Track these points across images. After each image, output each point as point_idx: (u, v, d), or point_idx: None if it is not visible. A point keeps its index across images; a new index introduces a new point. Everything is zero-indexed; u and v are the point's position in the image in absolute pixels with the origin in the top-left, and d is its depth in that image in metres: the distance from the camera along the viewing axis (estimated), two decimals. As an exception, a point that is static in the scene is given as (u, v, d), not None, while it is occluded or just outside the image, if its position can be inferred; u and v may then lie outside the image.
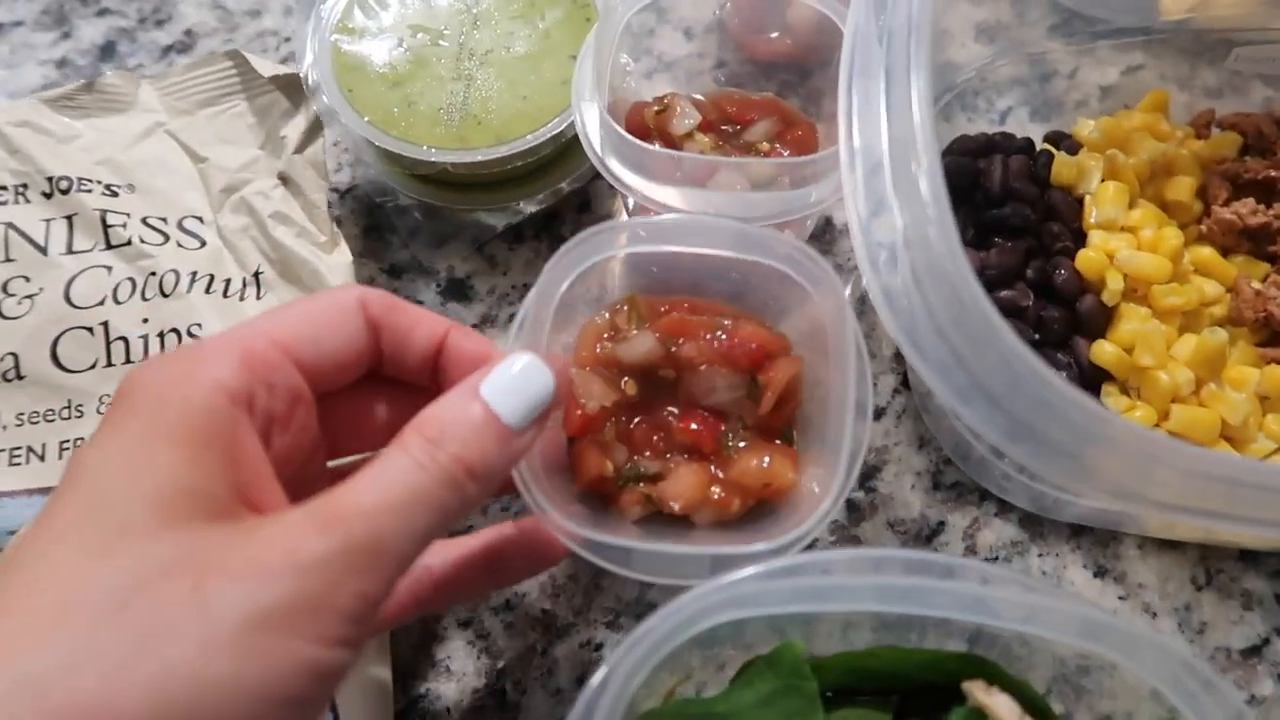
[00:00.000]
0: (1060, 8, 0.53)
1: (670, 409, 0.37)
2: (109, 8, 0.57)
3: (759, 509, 0.37)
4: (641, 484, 0.36)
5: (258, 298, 0.41)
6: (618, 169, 0.40)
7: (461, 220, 0.48)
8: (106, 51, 0.56)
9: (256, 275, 0.42)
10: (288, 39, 0.56)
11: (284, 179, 0.44)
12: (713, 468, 0.36)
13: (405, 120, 0.43)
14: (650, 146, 0.40)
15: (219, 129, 0.44)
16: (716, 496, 0.35)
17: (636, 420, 0.37)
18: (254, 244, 0.42)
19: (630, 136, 0.38)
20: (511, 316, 0.47)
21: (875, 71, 0.36)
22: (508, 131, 0.43)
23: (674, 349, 0.37)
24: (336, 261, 0.43)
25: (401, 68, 0.45)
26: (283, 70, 0.45)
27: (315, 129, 0.44)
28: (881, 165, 0.34)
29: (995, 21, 0.54)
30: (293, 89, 0.45)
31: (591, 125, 0.41)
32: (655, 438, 0.37)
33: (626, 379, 0.37)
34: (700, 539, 0.35)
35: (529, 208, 0.46)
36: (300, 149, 0.44)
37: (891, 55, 0.35)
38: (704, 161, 0.41)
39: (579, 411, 0.36)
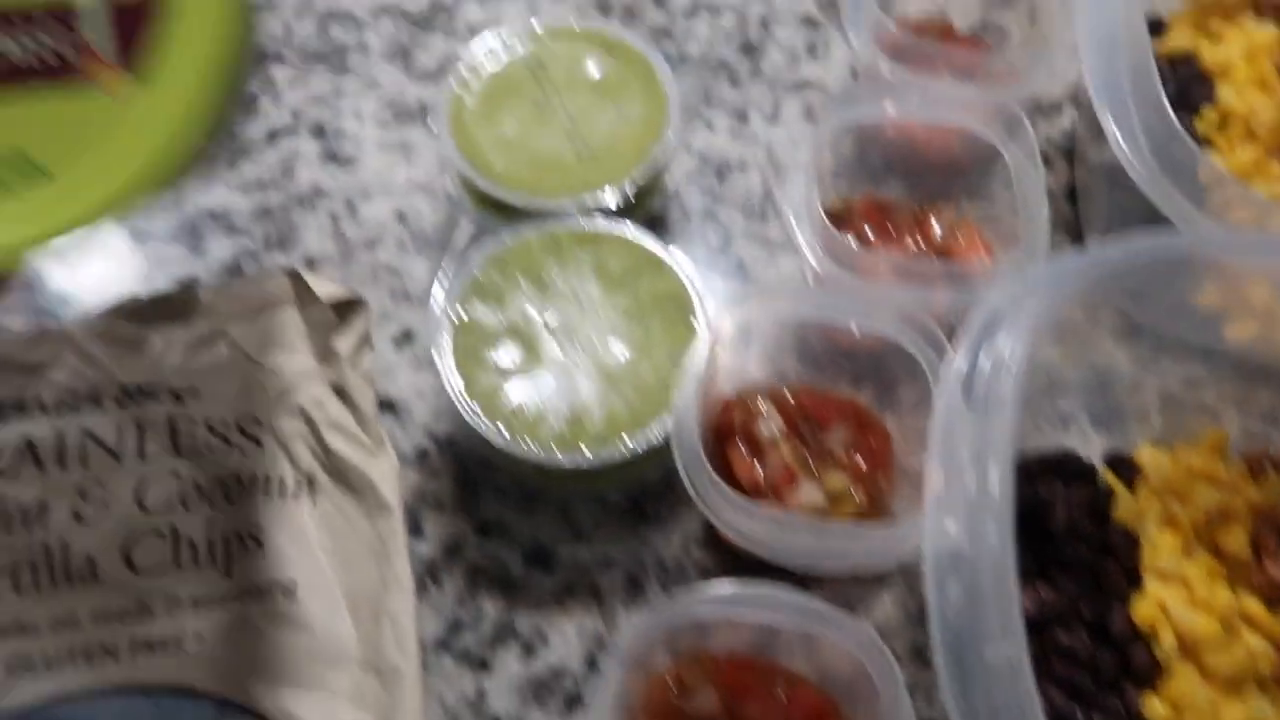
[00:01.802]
0: (1128, 316, 0.56)
1: None
2: (238, 227, 0.61)
3: None
4: None
5: (312, 501, 0.44)
6: (709, 496, 0.44)
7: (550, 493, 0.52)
8: (233, 271, 0.60)
9: (310, 479, 0.45)
10: (396, 273, 0.60)
11: (338, 390, 0.47)
12: None
13: (513, 422, 0.47)
14: (741, 500, 0.43)
15: (276, 338, 0.47)
16: None
17: None
18: (307, 448, 0.45)
19: (728, 489, 0.42)
20: (591, 585, 0.50)
21: (959, 445, 0.39)
22: (608, 432, 0.47)
23: (735, 706, 0.41)
24: (383, 467, 0.46)
25: (514, 360, 0.48)
26: (337, 292, 0.49)
27: (364, 343, 0.48)
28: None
29: (1065, 318, 0.57)
30: (345, 308, 0.49)
31: (695, 471, 0.44)
32: None
33: None
34: None
35: (615, 498, 0.49)
36: (353, 362, 0.48)
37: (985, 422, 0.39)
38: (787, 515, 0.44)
39: None
